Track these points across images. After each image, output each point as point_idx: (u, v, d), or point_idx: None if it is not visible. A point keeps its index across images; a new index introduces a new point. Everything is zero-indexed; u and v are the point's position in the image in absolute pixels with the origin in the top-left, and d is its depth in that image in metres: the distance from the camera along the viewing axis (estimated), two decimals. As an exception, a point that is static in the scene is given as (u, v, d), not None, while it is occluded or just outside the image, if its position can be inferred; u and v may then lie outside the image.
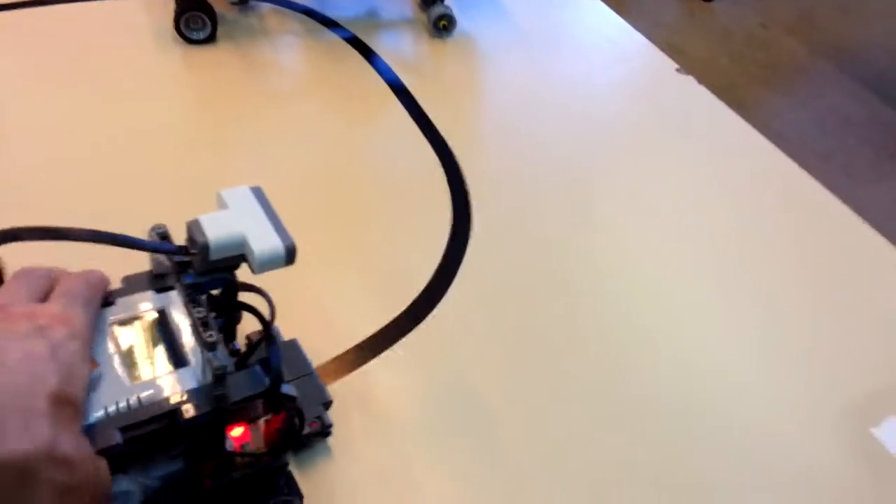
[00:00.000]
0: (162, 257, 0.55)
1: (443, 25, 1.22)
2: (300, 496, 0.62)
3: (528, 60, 1.23)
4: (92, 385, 0.48)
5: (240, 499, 0.59)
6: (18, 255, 0.48)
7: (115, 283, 0.54)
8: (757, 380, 0.80)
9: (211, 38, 1.12)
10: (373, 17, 1.26)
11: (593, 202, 0.98)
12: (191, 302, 0.49)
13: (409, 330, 0.78)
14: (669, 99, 1.20)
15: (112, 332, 0.52)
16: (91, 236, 0.46)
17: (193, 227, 0.48)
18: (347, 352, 0.75)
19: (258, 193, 0.52)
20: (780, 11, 3.61)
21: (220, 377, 0.48)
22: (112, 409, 0.47)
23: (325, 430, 0.66)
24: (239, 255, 0.49)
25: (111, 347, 0.51)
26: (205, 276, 0.50)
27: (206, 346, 0.47)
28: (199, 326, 0.48)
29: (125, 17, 1.15)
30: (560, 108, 1.13)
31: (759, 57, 3.29)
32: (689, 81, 1.23)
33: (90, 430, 0.46)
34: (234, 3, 1.20)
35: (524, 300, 0.84)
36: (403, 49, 1.21)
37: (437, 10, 1.21)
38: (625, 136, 1.11)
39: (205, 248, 0.47)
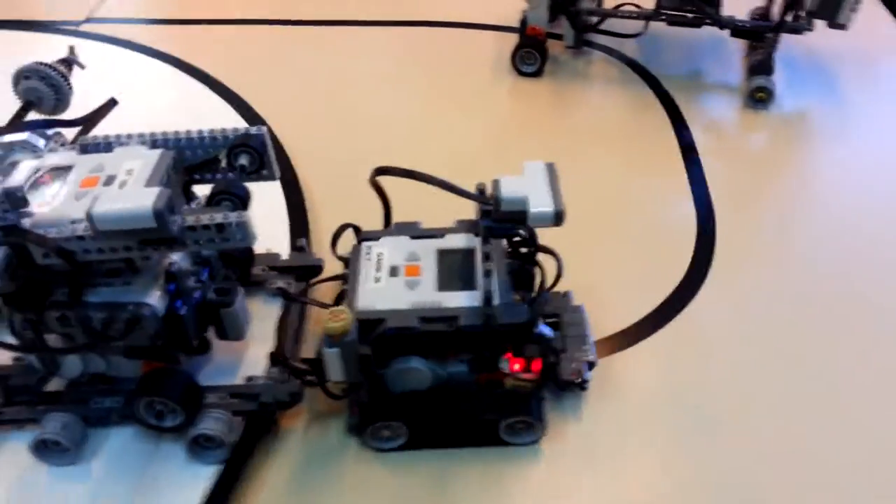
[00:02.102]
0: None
1: (759, 97, 1.22)
2: (543, 425, 0.71)
3: (849, 154, 1.14)
4: (410, 285, 0.69)
5: (498, 406, 0.73)
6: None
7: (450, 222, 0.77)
8: None
9: (538, 73, 1.33)
10: (694, 78, 1.32)
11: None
12: (484, 241, 0.67)
13: (663, 325, 0.88)
14: None
15: (436, 255, 0.72)
16: (437, 182, 0.68)
17: (494, 185, 0.66)
18: (611, 336, 0.86)
19: (550, 168, 0.68)
20: None
21: (487, 298, 0.64)
22: (420, 305, 0.67)
23: (582, 384, 0.74)
24: (522, 211, 0.64)
25: (433, 263, 0.72)
26: (497, 223, 0.67)
27: (484, 273, 0.64)
28: (483, 258, 0.65)
29: (479, 44, 1.42)
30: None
31: None
32: None
33: (394, 315, 0.66)
34: (569, 47, 1.37)
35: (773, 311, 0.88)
36: (710, 113, 1.25)
37: (757, 81, 1.21)
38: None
39: (498, 200, 0.65)
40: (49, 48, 1.38)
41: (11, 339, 0.70)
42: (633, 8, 1.30)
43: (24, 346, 0.70)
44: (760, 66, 1.21)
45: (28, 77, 0.84)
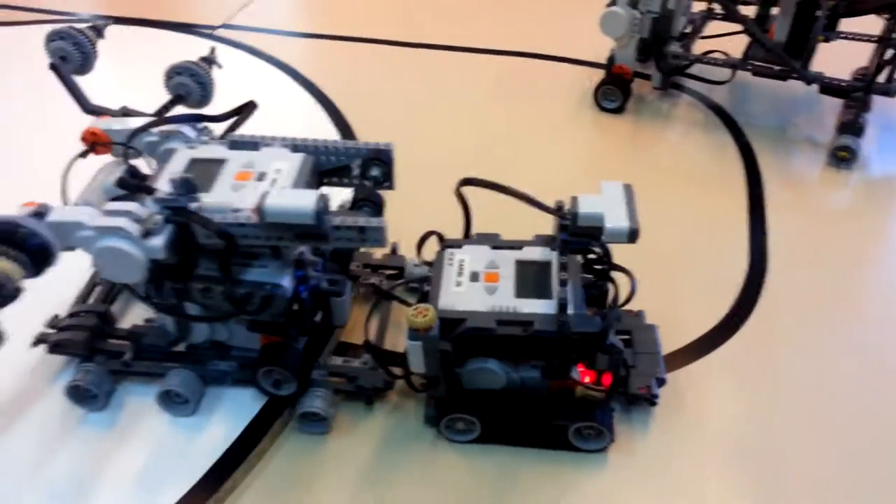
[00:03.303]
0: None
1: (842, 156, 1.23)
2: (611, 433, 0.78)
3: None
4: (489, 290, 0.76)
5: (568, 412, 0.80)
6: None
7: (527, 235, 0.84)
8: None
9: (619, 110, 1.40)
10: (780, 131, 1.34)
11: None
12: (560, 253, 0.72)
13: (726, 340, 0.95)
14: None
15: (514, 265, 0.79)
16: (519, 195, 0.76)
17: (572, 201, 0.73)
18: (675, 351, 0.93)
19: (627, 189, 0.74)
20: None
21: (562, 306, 0.69)
22: (497, 308, 0.74)
23: (651, 399, 0.80)
24: (598, 227, 0.70)
25: (511, 271, 0.78)
26: (574, 237, 0.73)
27: (560, 282, 0.70)
28: (559, 269, 0.68)
29: (569, 77, 1.51)
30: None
31: None
32: None
33: (473, 316, 0.72)
34: (656, 88, 1.44)
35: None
36: (789, 166, 1.26)
37: (841, 140, 1.22)
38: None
39: (575, 215, 0.71)
40: (186, 48, 1.59)
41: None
42: (720, 55, 1.35)
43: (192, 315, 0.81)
44: (848, 125, 1.22)
45: (180, 73, 0.96)
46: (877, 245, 1.10)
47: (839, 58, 1.26)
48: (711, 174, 1.25)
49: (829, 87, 1.26)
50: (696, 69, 1.38)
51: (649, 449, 0.82)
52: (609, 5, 1.33)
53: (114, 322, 0.94)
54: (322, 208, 0.69)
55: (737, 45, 1.36)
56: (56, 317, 0.92)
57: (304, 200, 0.69)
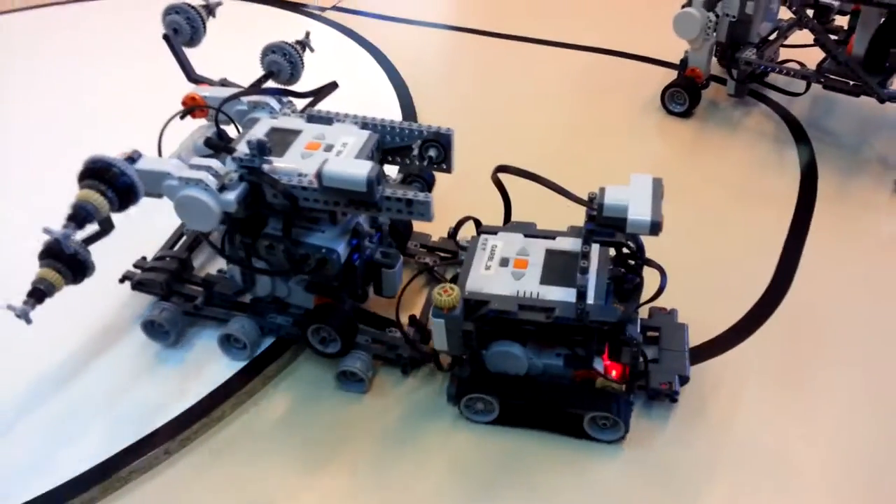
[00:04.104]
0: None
1: None
2: (627, 427, 0.80)
3: None
4: (516, 276, 0.78)
5: (584, 401, 0.82)
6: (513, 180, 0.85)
7: (564, 226, 0.87)
8: None
9: (686, 114, 1.39)
10: (853, 150, 1.30)
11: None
12: (585, 242, 0.74)
13: (753, 331, 0.96)
14: None
15: (545, 254, 0.82)
16: (550, 185, 0.80)
17: (600, 192, 0.74)
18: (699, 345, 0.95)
19: (656, 183, 0.75)
20: None
21: (581, 294, 0.71)
22: (521, 293, 0.76)
23: (672, 394, 0.82)
24: (622, 218, 0.72)
25: (540, 259, 0.81)
26: (599, 227, 0.75)
27: (580, 270, 0.71)
28: (581, 257, 0.72)
29: (641, 76, 1.52)
30: None
31: None
32: None
33: (497, 299, 0.76)
34: (731, 95, 1.40)
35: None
36: (849, 186, 1.21)
37: None
38: None
39: (601, 205, 0.73)
40: (292, 25, 1.71)
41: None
42: (795, 65, 1.30)
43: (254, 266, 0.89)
44: None
45: (274, 52, 1.06)
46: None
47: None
48: (764, 188, 1.22)
49: None
50: (776, 80, 1.35)
51: (665, 446, 0.84)
52: (685, 6, 1.32)
53: (191, 270, 1.04)
54: (374, 178, 0.76)
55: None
56: (143, 259, 1.04)
57: (359, 169, 0.76)
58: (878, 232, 1.13)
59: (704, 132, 1.36)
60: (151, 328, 0.97)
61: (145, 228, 1.00)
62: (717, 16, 1.31)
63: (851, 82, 1.23)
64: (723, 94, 1.42)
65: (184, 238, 1.08)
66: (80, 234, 0.77)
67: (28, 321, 0.75)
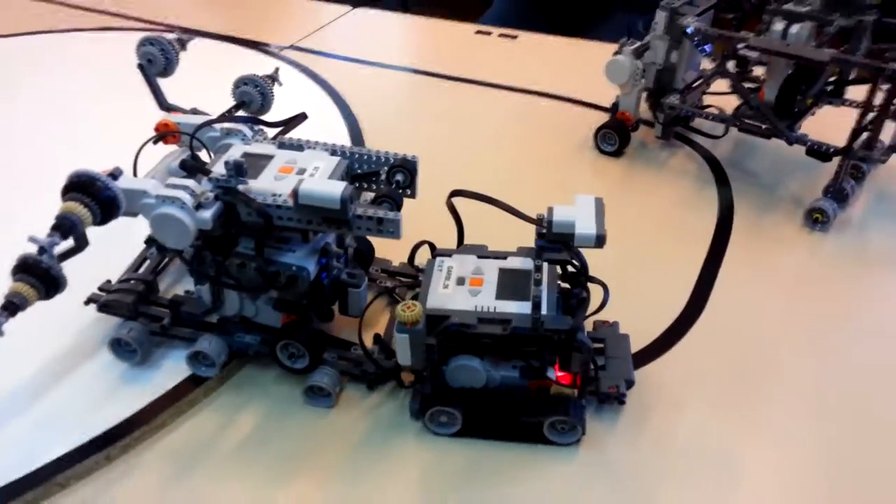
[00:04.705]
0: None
1: (815, 217, 1.27)
2: (583, 429, 0.86)
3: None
4: (472, 292, 0.85)
5: (542, 408, 0.88)
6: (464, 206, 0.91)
7: (513, 248, 0.93)
8: None
9: (617, 153, 1.49)
10: (768, 188, 1.40)
11: None
12: (536, 257, 0.82)
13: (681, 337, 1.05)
14: None
15: (498, 272, 0.89)
16: (502, 205, 0.86)
17: (548, 211, 0.82)
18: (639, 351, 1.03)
19: (598, 202, 0.83)
20: None
21: (536, 305, 0.80)
22: (479, 307, 0.84)
23: (620, 397, 0.89)
24: (570, 234, 0.79)
25: (494, 277, 0.88)
26: (549, 243, 0.82)
27: (535, 282, 0.80)
28: (534, 272, 0.80)
29: (576, 119, 1.64)
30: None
31: None
32: None
33: (457, 314, 0.81)
34: (658, 137, 1.52)
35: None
36: (762, 221, 1.31)
37: (818, 203, 1.27)
38: None
39: (550, 222, 0.80)
40: (254, 64, 1.82)
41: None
42: (714, 110, 1.42)
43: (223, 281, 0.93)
44: (828, 188, 1.28)
45: (246, 84, 1.11)
46: (814, 312, 1.12)
47: (849, 121, 1.27)
48: (684, 222, 1.32)
49: (812, 150, 1.30)
50: (702, 125, 1.47)
51: (617, 446, 0.90)
52: (615, 53, 1.43)
53: (157, 291, 1.07)
54: (347, 196, 0.81)
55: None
56: (108, 282, 1.06)
57: (334, 188, 0.82)
58: (783, 264, 1.23)
59: (634, 170, 1.47)
60: (118, 346, 0.99)
61: (107, 252, 1.02)
62: (643, 64, 1.43)
63: (763, 126, 1.35)
64: (651, 136, 1.53)
65: (147, 262, 1.11)
66: (57, 249, 0.80)
67: (0, 333, 0.76)
